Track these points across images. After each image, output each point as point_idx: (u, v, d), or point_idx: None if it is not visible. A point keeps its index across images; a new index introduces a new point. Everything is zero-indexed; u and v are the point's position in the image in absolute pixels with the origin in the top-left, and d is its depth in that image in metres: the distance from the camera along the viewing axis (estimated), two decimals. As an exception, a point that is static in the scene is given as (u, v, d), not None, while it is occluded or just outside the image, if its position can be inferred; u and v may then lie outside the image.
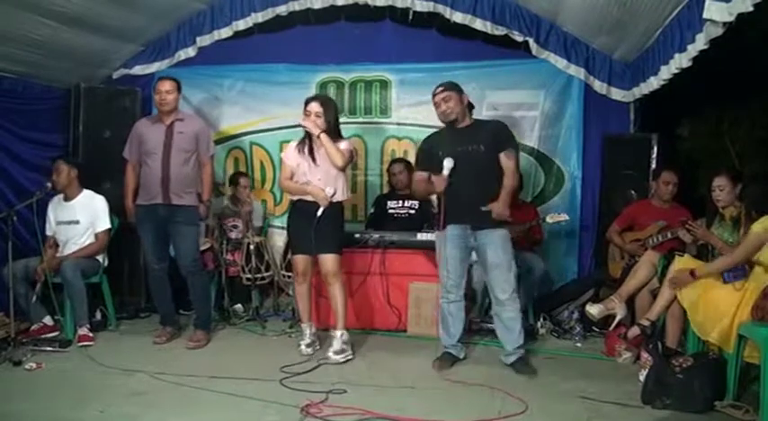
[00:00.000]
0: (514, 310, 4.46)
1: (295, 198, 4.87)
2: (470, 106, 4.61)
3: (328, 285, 4.76)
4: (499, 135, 4.49)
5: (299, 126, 4.85)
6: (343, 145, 4.77)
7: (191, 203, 5.13)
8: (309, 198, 4.73)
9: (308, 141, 4.77)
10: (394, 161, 6.28)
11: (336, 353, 4.63)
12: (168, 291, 5.29)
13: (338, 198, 4.78)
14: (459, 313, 4.62)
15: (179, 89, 5.19)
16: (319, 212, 4.66)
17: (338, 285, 4.76)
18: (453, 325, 4.61)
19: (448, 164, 4.37)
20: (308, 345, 4.85)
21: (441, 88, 4.50)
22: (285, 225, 5.74)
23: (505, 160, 4.43)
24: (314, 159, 4.74)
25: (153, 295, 5.36)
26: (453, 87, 4.50)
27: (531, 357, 4.75)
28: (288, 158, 4.87)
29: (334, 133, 4.77)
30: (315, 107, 4.72)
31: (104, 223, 5.42)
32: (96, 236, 5.40)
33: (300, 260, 4.84)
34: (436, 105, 4.53)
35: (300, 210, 4.80)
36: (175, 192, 5.05)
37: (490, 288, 4.53)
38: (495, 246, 4.40)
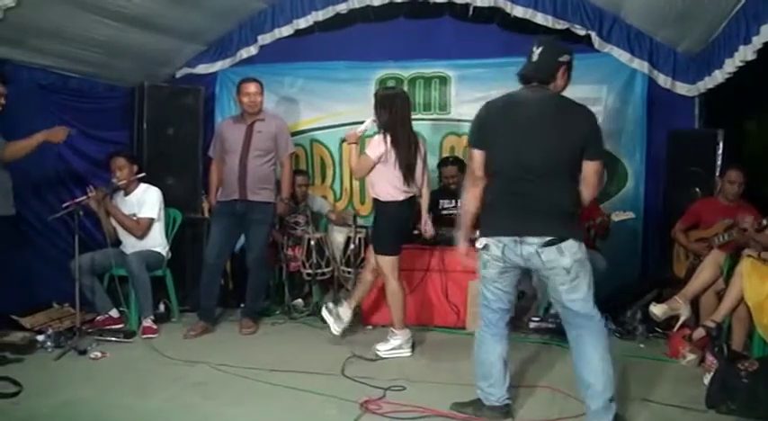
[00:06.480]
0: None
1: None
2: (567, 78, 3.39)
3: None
4: (591, 135, 3.24)
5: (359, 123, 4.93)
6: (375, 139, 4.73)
7: (266, 200, 5.32)
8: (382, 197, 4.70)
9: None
10: (445, 162, 6.20)
11: (381, 346, 4.69)
12: (217, 287, 5.46)
13: (385, 198, 4.69)
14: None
15: (263, 90, 5.41)
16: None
17: (389, 286, 4.72)
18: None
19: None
20: (338, 327, 4.87)
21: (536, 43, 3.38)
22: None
23: (590, 169, 3.29)
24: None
25: (202, 288, 5.42)
26: (551, 48, 3.35)
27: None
28: (374, 155, 4.64)
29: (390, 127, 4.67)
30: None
31: (148, 211, 5.45)
32: (138, 220, 5.44)
33: (370, 254, 4.89)
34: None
35: (380, 208, 4.79)
36: (251, 189, 5.24)
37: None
38: None
